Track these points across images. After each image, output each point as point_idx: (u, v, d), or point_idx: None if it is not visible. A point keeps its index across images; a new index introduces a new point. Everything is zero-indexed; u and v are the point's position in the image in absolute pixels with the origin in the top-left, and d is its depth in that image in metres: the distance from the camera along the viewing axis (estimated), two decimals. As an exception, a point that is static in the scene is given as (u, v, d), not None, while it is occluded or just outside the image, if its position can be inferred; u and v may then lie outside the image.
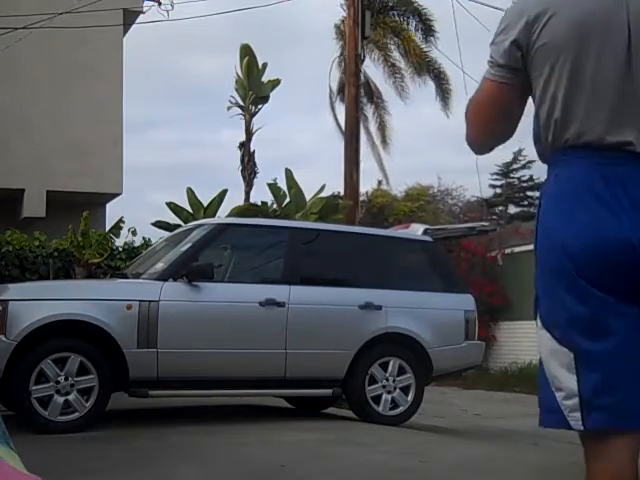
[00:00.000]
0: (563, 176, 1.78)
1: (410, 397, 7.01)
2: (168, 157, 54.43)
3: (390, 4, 18.92)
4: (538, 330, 1.83)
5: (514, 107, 1.89)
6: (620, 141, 1.72)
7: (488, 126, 1.92)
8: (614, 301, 1.72)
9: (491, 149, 1.99)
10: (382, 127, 21.23)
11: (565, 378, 1.73)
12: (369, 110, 20.66)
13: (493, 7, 13.67)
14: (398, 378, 6.98)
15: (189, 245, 6.67)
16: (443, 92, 19.64)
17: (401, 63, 19.52)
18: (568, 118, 1.76)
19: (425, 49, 19.22)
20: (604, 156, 1.73)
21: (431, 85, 19.67)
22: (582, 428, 1.71)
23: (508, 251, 15.15)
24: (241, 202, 16.08)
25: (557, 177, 1.80)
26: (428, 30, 19.07)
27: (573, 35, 1.74)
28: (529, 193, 40.67)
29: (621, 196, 1.70)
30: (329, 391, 6.79)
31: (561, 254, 1.74)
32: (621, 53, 1.73)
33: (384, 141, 21.20)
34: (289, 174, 13.83)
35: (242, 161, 18.00)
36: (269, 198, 14.89)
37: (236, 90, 17.95)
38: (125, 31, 13.89)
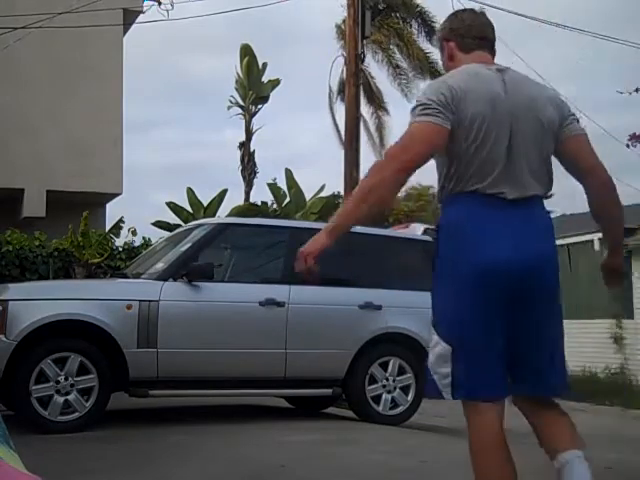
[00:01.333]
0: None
1: (410, 397, 7.00)
2: (168, 157, 54.43)
3: (392, 6, 18.95)
4: (433, 339, 2.59)
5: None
6: (497, 191, 2.50)
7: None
8: (492, 311, 2.48)
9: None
10: (380, 128, 21.22)
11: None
12: (368, 111, 20.66)
13: (493, 7, 13.67)
14: (398, 378, 6.97)
15: (189, 245, 6.66)
16: None
17: (404, 63, 19.55)
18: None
19: (427, 51, 19.27)
20: (490, 198, 2.53)
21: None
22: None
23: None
24: (241, 202, 16.12)
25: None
26: (430, 32, 19.10)
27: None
28: (529, 193, 40.79)
29: (501, 226, 2.50)
30: (329, 391, 6.79)
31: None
32: (508, 131, 2.49)
33: (382, 141, 21.19)
34: (289, 174, 13.84)
35: (242, 161, 18.02)
36: (269, 198, 14.92)
37: (236, 90, 17.97)
38: (125, 31, 13.88)
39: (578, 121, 2.68)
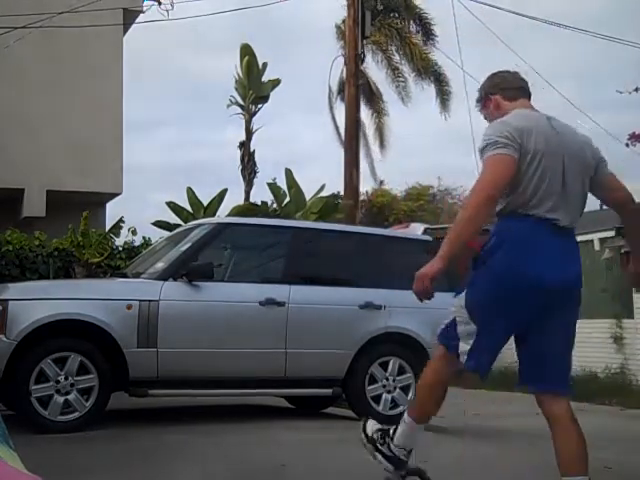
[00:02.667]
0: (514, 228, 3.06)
1: (410, 397, 7.00)
2: (168, 156, 54.41)
3: (391, 6, 18.95)
4: (457, 302, 3.29)
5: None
6: (551, 217, 2.97)
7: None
8: (523, 309, 3.06)
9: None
10: (379, 128, 21.22)
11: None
12: (368, 111, 20.66)
13: (494, 7, 13.68)
14: (398, 378, 6.97)
15: (189, 245, 6.66)
16: (443, 94, 19.67)
17: (404, 66, 19.56)
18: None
19: (426, 51, 19.26)
20: (545, 222, 2.99)
21: (432, 86, 19.72)
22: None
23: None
24: (241, 202, 16.09)
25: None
26: (428, 33, 19.10)
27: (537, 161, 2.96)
28: (529, 193, 40.78)
29: (548, 248, 2.98)
30: (329, 391, 6.79)
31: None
32: (561, 169, 2.97)
33: (381, 142, 21.19)
34: (289, 174, 13.81)
35: (242, 161, 18.00)
36: (269, 198, 14.89)
37: (236, 90, 17.94)
38: (125, 31, 13.88)
39: (607, 164, 3.18)
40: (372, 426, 3.56)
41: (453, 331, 3.18)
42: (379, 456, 3.45)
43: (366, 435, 3.55)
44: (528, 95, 3.21)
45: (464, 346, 3.11)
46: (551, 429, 3.11)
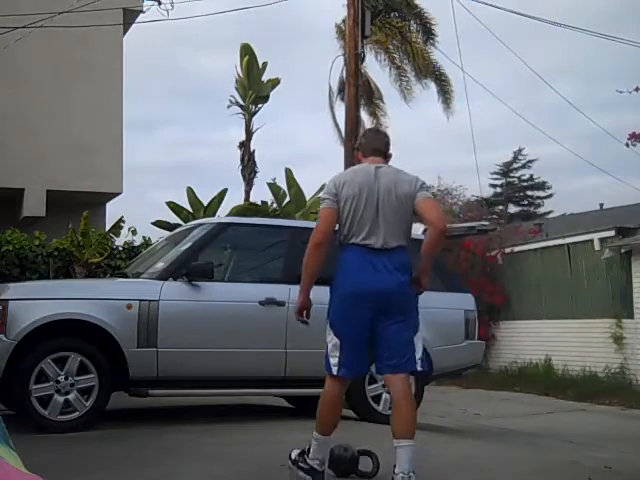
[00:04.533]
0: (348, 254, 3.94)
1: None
2: (168, 156, 54.46)
3: (392, 6, 18.94)
4: (327, 328, 3.96)
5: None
6: (368, 243, 3.87)
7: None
8: (364, 313, 3.83)
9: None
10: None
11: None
12: (368, 110, 20.63)
13: (495, 7, 13.67)
14: (398, 377, 6.96)
15: (189, 244, 6.66)
16: (445, 93, 19.65)
17: (406, 65, 19.54)
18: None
19: (426, 51, 19.25)
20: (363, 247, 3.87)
21: (433, 86, 19.72)
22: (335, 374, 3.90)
23: (508, 250, 15.15)
24: (241, 201, 16.09)
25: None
26: (429, 32, 19.08)
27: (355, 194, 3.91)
28: (529, 192, 40.71)
29: (370, 265, 3.84)
30: (329, 391, 6.78)
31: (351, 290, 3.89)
32: (375, 204, 3.88)
33: None
34: (289, 174, 13.80)
35: (242, 160, 17.99)
36: (269, 197, 14.89)
37: (236, 89, 17.93)
38: (125, 30, 13.88)
39: (427, 189, 4.04)
40: (294, 452, 4.11)
41: (328, 357, 3.95)
42: (300, 472, 3.97)
43: (290, 460, 4.08)
44: (381, 154, 4.14)
45: (334, 360, 3.89)
46: (392, 401, 3.99)
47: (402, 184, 3.93)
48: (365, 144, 4.23)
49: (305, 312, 4.06)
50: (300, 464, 3.99)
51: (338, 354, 3.86)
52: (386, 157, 4.17)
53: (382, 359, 3.90)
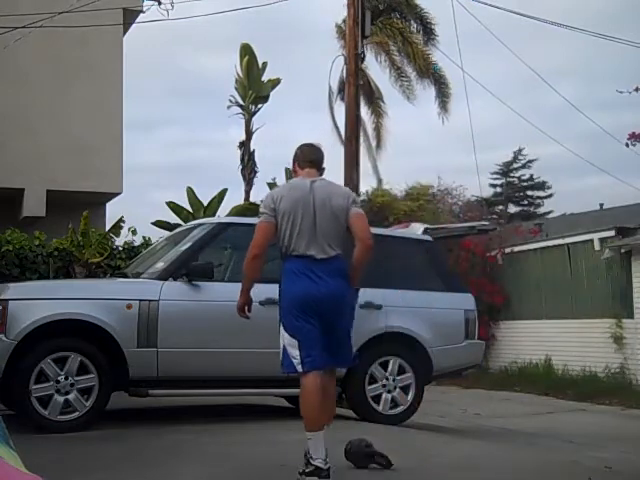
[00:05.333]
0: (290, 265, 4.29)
1: (410, 396, 7.00)
2: (168, 156, 54.45)
3: (393, 6, 18.94)
4: (281, 331, 4.26)
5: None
6: (309, 253, 4.20)
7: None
8: (311, 318, 4.16)
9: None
10: (378, 128, 21.18)
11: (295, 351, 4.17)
12: (367, 110, 20.63)
13: (494, 6, 13.67)
14: (398, 377, 6.97)
15: (189, 244, 6.66)
16: (443, 96, 19.67)
17: (407, 66, 19.54)
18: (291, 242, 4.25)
19: (427, 52, 19.25)
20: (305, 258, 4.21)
21: (432, 87, 19.73)
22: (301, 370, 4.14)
23: (508, 250, 15.14)
24: (241, 201, 16.09)
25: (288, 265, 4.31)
26: (429, 33, 19.07)
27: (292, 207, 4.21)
28: (529, 192, 40.72)
29: (312, 274, 4.18)
30: (329, 390, 6.78)
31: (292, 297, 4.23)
32: (312, 217, 4.20)
33: (378, 143, 21.15)
34: (289, 174, 13.78)
35: (242, 160, 17.99)
36: (269, 197, 14.86)
37: (236, 89, 17.92)
38: (125, 30, 13.87)
39: (358, 204, 4.38)
40: (300, 468, 4.19)
41: (287, 357, 4.21)
42: (307, 478, 4.09)
43: (299, 474, 4.16)
44: (316, 166, 4.45)
45: (296, 360, 4.14)
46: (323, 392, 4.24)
47: (336, 197, 4.26)
48: (301, 156, 4.49)
49: (247, 308, 4.49)
50: (306, 471, 4.09)
51: (298, 352, 4.14)
52: (320, 169, 4.47)
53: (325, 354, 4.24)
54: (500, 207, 38.19)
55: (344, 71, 14.55)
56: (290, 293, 4.25)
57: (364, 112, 19.30)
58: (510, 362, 14.01)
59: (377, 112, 21.10)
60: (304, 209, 4.19)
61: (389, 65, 19.78)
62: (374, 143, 21.15)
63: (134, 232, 10.62)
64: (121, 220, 10.66)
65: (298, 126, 53.64)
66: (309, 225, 4.18)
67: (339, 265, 4.26)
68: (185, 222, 10.91)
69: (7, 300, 5.81)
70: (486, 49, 49.49)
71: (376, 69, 20.33)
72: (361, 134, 16.16)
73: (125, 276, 7.14)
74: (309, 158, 4.48)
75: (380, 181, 21.09)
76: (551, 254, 14.25)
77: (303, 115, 62.16)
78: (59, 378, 5.78)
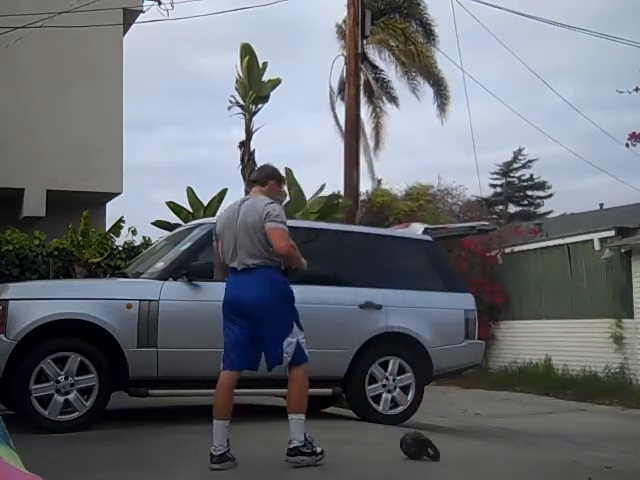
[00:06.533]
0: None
1: (410, 396, 7.01)
2: (168, 156, 54.45)
3: (393, 6, 18.94)
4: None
5: None
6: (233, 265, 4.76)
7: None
8: (237, 319, 4.68)
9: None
10: (377, 128, 21.18)
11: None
12: (367, 111, 20.64)
13: (494, 6, 13.68)
14: (398, 377, 6.97)
15: (189, 244, 6.67)
16: (441, 98, 19.69)
17: (410, 66, 19.55)
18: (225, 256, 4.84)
19: (427, 54, 19.24)
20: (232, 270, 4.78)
21: (432, 88, 19.77)
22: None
23: (508, 250, 15.14)
24: (241, 202, 16.07)
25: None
26: (429, 34, 19.07)
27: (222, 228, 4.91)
28: (529, 192, 40.74)
29: (236, 283, 4.75)
30: (329, 390, 6.79)
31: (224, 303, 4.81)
32: (234, 233, 4.77)
33: (377, 143, 21.15)
34: (289, 174, 13.78)
35: (242, 160, 17.96)
36: (269, 197, 14.86)
37: (236, 89, 17.95)
38: (125, 30, 13.86)
39: (273, 219, 4.66)
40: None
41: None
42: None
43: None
44: (259, 183, 4.98)
45: (223, 356, 4.73)
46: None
47: (252, 214, 4.72)
48: (251, 176, 5.49)
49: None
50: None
51: (224, 351, 4.73)
52: (264, 185, 4.95)
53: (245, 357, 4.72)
54: (500, 207, 38.21)
55: (344, 71, 14.56)
56: (224, 299, 4.80)
57: (364, 112, 19.32)
58: (510, 362, 14.01)
59: (377, 112, 21.10)
60: (229, 228, 4.80)
61: (394, 61, 19.79)
62: (372, 143, 21.15)
63: (134, 232, 10.61)
64: (121, 220, 10.65)
65: (298, 126, 53.69)
66: (232, 241, 4.75)
67: (262, 273, 4.68)
68: (185, 222, 10.89)
69: (7, 300, 5.81)
70: (486, 49, 49.50)
71: (380, 66, 20.41)
72: (361, 134, 16.18)
73: (125, 276, 7.14)
74: (252, 178, 5.25)
75: (379, 181, 21.08)
76: (551, 254, 14.25)
77: (303, 115, 62.22)
78: (59, 378, 5.78)
